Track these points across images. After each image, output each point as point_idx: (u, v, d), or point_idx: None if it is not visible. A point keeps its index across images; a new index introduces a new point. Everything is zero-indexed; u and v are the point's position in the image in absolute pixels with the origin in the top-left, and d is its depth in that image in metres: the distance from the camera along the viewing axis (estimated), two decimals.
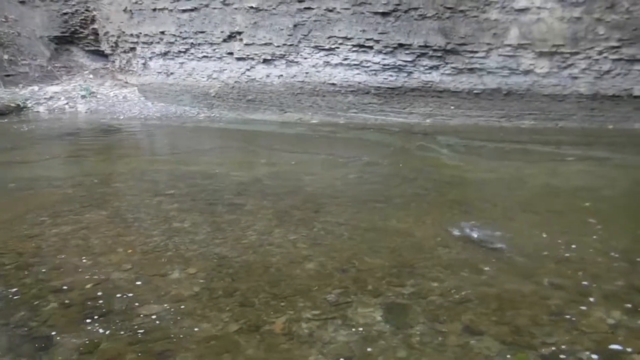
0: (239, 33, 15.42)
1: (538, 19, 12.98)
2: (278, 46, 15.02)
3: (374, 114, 14.49)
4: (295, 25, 14.61)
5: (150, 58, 17.38)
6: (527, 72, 13.53)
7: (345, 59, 14.45)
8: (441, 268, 5.01)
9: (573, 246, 5.55)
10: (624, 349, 3.86)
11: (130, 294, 4.53)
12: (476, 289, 4.65)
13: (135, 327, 4.05)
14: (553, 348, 3.85)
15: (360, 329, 4.05)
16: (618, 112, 13.47)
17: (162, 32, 16.55)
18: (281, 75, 15.32)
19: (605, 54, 13.02)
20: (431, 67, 13.94)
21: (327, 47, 14.51)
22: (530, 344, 3.91)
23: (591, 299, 4.55)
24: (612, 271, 5.04)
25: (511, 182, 8.14)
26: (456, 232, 5.87)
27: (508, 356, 3.74)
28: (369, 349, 3.80)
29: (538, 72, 13.49)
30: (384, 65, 14.16)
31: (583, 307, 4.39)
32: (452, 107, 14.01)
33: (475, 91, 13.88)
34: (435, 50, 13.70)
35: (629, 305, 4.44)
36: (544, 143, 11.26)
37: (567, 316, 4.26)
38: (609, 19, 12.64)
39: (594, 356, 3.77)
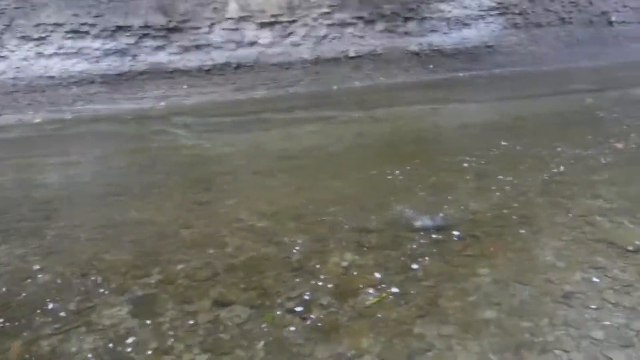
0: None
1: None
2: None
3: (104, 104, 13.65)
4: None
5: None
6: (252, 44, 13.97)
7: (61, 48, 13.33)
8: (185, 249, 4.98)
9: (309, 202, 5.94)
10: (357, 286, 4.26)
11: None
12: (222, 262, 4.73)
13: None
14: (297, 300, 4.09)
15: (108, 331, 3.84)
16: (340, 73, 14.65)
17: None
18: None
19: (320, 20, 13.98)
20: (157, 48, 13.61)
21: (36, 36, 13.21)
22: (277, 302, 4.11)
23: (328, 247, 4.92)
24: (345, 217, 5.50)
25: (249, 152, 8.38)
26: (205, 213, 5.86)
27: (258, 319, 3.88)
28: (118, 349, 3.63)
29: (262, 42, 14.01)
30: (106, 50, 13.42)
31: (321, 257, 4.74)
32: (185, 87, 13.88)
33: (205, 67, 13.93)
34: (157, 29, 13.39)
35: (359, 246, 4.90)
36: (277, 110, 11.77)
37: (308, 268, 4.55)
38: None
39: (333, 299, 4.09)
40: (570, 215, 5.36)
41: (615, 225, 5.10)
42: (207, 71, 13.95)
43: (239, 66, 14.05)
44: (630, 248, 4.66)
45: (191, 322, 3.91)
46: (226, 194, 6.42)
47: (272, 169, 7.27)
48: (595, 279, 4.23)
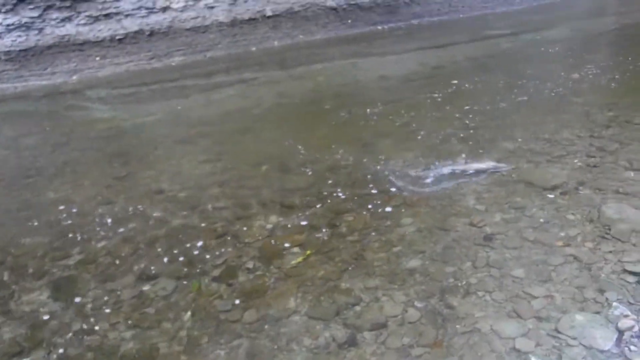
0: None
1: None
2: None
3: (12, 82, 12.90)
4: None
5: None
6: (164, 9, 13.45)
7: None
8: (106, 226, 4.84)
9: (232, 167, 5.87)
10: (283, 247, 4.26)
11: None
12: (145, 236, 4.63)
13: None
14: (222, 267, 4.05)
15: (27, 317, 3.71)
16: (258, 34, 14.35)
17: None
18: None
19: None
20: (63, 20, 12.87)
21: None
22: (203, 270, 4.07)
23: (252, 211, 4.88)
24: (267, 179, 5.48)
25: (169, 121, 8.16)
26: (125, 187, 5.68)
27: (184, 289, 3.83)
28: (40, 335, 3.52)
29: (175, 7, 13.52)
30: (8, 25, 12.57)
31: (245, 221, 4.70)
32: (97, 58, 13.25)
33: (117, 37, 13.32)
34: (62, 0, 12.65)
35: (283, 207, 4.89)
36: (196, 76, 11.47)
37: (232, 234, 4.51)
38: None
39: (259, 262, 4.08)
40: (489, 159, 5.50)
41: (532, 166, 5.28)
42: (120, 41, 13.36)
43: (152, 33, 13.53)
44: (548, 187, 4.84)
45: (115, 299, 3.82)
46: (146, 165, 6.25)
47: (193, 137, 7.11)
48: (514, 219, 4.39)
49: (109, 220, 4.94)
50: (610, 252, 3.85)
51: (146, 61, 13.50)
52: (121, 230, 4.75)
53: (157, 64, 13.38)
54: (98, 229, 4.81)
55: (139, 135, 7.59)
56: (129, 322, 3.58)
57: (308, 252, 4.13)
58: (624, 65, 8.61)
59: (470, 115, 6.78)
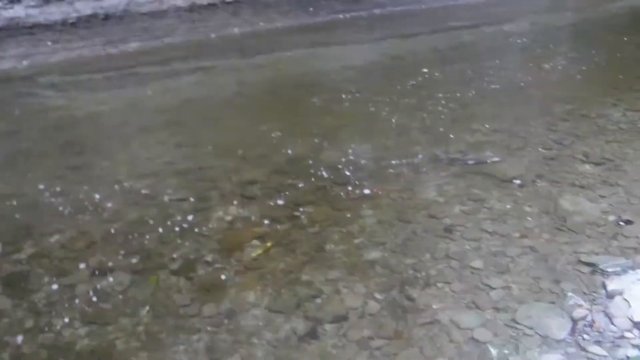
0: None
1: None
2: None
3: None
4: None
5: None
6: None
7: None
8: (59, 219, 4.68)
9: (190, 157, 5.77)
10: (242, 239, 4.22)
11: None
12: (100, 228, 4.50)
13: None
14: (181, 261, 3.98)
15: None
16: (217, 20, 14.11)
17: None
18: None
19: None
20: (12, 1, 12.42)
21: None
22: (161, 263, 3.99)
23: (211, 203, 4.81)
24: (227, 171, 5.40)
25: (125, 110, 7.94)
26: (79, 178, 5.51)
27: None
28: None
29: None
30: None
31: (204, 213, 4.64)
32: (49, 43, 12.83)
33: (70, 20, 12.93)
34: None
35: (243, 198, 4.84)
36: (153, 63, 11.20)
37: (191, 226, 4.44)
38: None
39: (218, 255, 4.03)
40: (448, 151, 5.56)
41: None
42: (73, 24, 12.96)
43: (107, 17, 13.18)
44: (506, 179, 4.92)
45: (70, 295, 3.71)
46: (101, 156, 6.07)
47: (150, 126, 6.95)
48: (473, 211, 4.44)
49: (63, 213, 4.79)
50: (566, 243, 3.95)
51: (101, 47, 13.13)
52: (75, 223, 4.62)
53: (112, 49, 13.02)
54: (51, 221, 4.65)
55: (94, 124, 7.37)
56: (85, 318, 3.49)
57: (268, 244, 4.09)
58: (584, 60, 8.80)
59: (431, 107, 6.83)
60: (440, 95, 7.25)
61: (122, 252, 4.15)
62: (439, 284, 3.61)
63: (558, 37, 11.30)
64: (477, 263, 3.80)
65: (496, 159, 5.27)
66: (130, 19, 13.39)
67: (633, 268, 3.56)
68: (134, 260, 4.04)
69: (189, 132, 6.64)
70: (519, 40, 10.60)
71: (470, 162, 5.25)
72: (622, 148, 5.43)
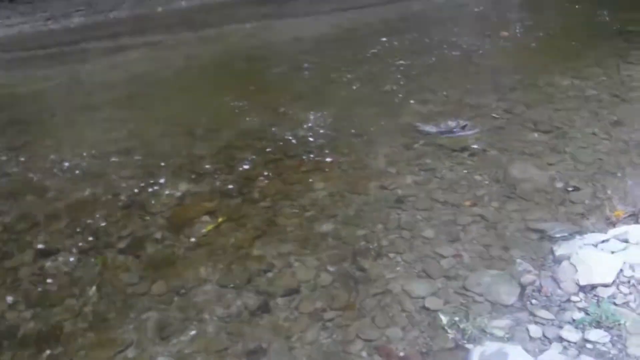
0: None
1: None
2: None
3: None
4: None
5: None
6: None
7: None
8: (2, 200, 4.51)
9: (138, 134, 5.61)
10: (193, 215, 4.14)
11: None
12: (44, 209, 4.35)
13: None
14: (129, 239, 3.88)
15: None
16: None
17: None
18: None
19: None
20: None
21: None
22: (108, 242, 3.89)
23: (160, 179, 4.70)
24: (176, 146, 5.28)
25: (69, 86, 7.66)
26: (21, 158, 5.30)
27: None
28: None
29: None
30: None
31: (153, 190, 4.52)
32: None
33: None
34: None
35: (192, 174, 4.74)
36: (97, 38, 10.82)
37: (139, 204, 4.33)
38: None
39: (168, 232, 3.95)
40: (400, 122, 5.56)
41: None
42: (11, 0, 12.40)
43: None
44: (457, 148, 4.95)
45: (13, 277, 3.58)
46: (45, 134, 5.86)
47: (96, 103, 6.71)
48: (425, 181, 4.47)
49: (4, 194, 4.61)
50: (515, 210, 4.01)
51: (42, 22, 12.60)
52: (18, 204, 4.45)
53: (54, 25, 12.52)
54: None
55: (36, 102, 7.09)
56: (30, 300, 3.38)
57: (220, 219, 4.03)
58: (537, 28, 8.88)
59: (384, 78, 6.80)
60: (393, 67, 7.22)
61: (67, 231, 4.02)
62: (390, 254, 3.62)
63: (513, 4, 11.38)
64: (429, 232, 3.82)
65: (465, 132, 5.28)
66: None
67: (580, 233, 3.64)
68: (80, 240, 3.92)
69: (137, 108, 6.46)
70: (469, 10, 10.63)
71: (433, 132, 5.24)
72: (570, 116, 5.52)
